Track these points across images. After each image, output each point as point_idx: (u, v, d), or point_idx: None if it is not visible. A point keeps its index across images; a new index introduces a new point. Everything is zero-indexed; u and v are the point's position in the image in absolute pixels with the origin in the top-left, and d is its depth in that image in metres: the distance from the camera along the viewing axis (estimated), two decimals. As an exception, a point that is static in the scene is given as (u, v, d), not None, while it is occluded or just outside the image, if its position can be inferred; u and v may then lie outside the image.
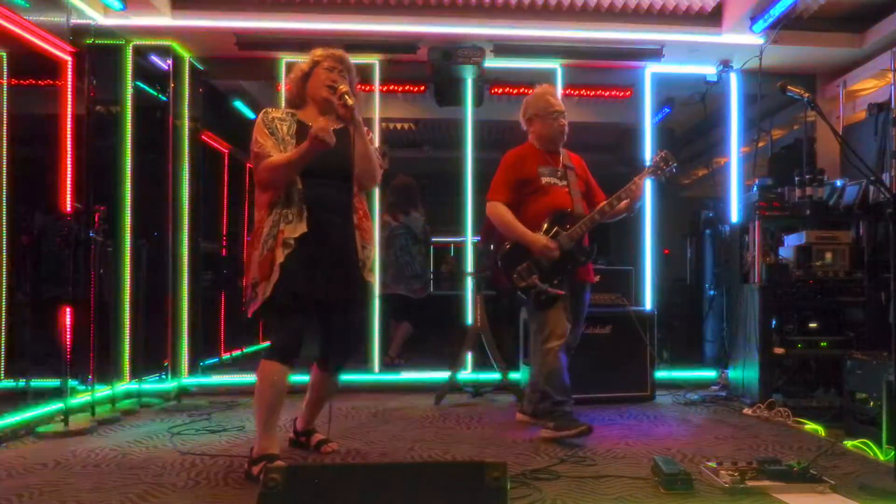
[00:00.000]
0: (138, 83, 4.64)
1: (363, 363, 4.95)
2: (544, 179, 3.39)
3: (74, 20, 4.10)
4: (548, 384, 3.28)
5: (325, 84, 2.79)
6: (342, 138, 2.74)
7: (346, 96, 2.72)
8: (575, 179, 3.47)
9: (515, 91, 5.80)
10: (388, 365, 5.20)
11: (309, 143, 2.56)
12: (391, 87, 5.48)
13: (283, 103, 3.10)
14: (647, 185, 4.08)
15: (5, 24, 3.61)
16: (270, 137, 2.72)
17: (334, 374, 2.99)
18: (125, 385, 4.32)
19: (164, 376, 4.52)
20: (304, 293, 2.68)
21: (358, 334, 3.02)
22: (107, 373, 4.01)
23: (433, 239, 6.16)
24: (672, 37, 4.79)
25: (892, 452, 2.79)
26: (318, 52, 2.88)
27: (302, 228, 2.66)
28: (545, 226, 3.31)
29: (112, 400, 4.00)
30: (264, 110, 2.83)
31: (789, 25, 4.59)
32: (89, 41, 4.20)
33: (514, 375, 4.50)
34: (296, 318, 2.70)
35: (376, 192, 4.93)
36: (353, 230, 2.79)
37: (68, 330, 3.65)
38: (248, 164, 6.39)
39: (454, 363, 4.41)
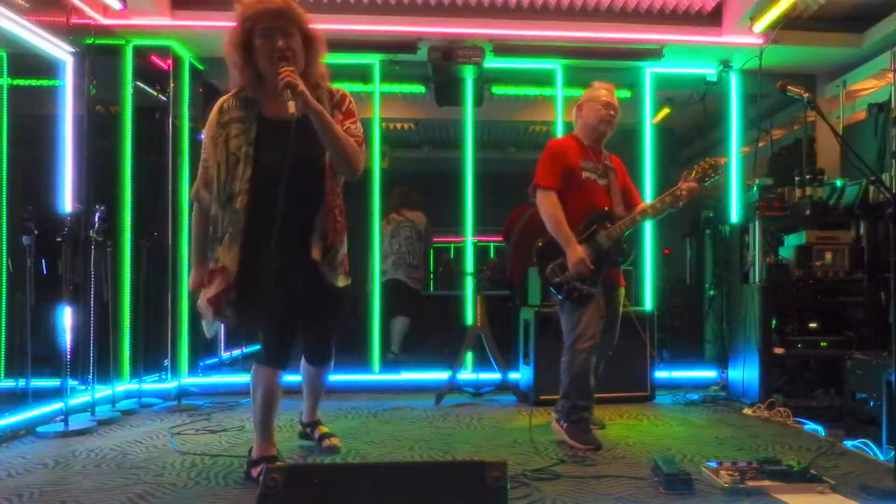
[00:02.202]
0: (138, 83, 4.64)
1: (363, 363, 4.96)
2: (584, 174, 3.30)
3: (74, 20, 4.10)
4: (572, 386, 3.23)
5: (269, 59, 2.32)
6: (300, 128, 2.27)
7: (290, 91, 2.23)
8: (615, 179, 3.39)
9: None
10: (392, 361, 5.25)
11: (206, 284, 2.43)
12: (391, 88, 5.48)
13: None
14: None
15: (5, 23, 3.61)
16: (215, 154, 2.41)
17: (319, 365, 2.96)
18: (125, 385, 4.32)
19: (164, 376, 4.52)
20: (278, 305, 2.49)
21: (332, 330, 2.83)
22: (107, 373, 4.01)
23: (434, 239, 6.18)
24: (672, 37, 4.78)
25: (892, 452, 2.79)
26: (247, 9, 2.35)
27: (235, 257, 2.39)
28: (584, 224, 3.24)
29: (112, 400, 4.00)
30: (220, 101, 2.46)
31: (789, 25, 4.59)
32: (89, 41, 4.20)
33: (514, 375, 4.50)
34: (279, 329, 2.58)
35: (377, 194, 4.94)
36: (306, 254, 2.48)
37: (68, 330, 3.65)
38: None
39: (454, 363, 4.41)
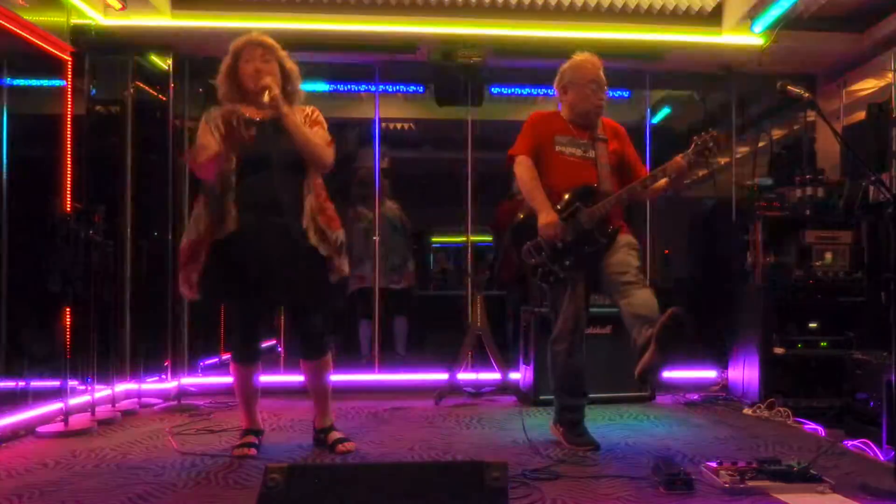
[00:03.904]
0: (138, 83, 4.64)
1: (363, 363, 4.96)
2: (558, 148, 3.10)
3: (74, 20, 4.10)
4: (557, 384, 3.20)
5: (251, 77, 2.81)
6: (276, 128, 2.79)
7: (268, 92, 2.72)
8: (605, 152, 3.13)
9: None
10: (400, 362, 5.27)
11: (223, 130, 2.68)
12: (391, 88, 5.48)
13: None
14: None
15: (5, 23, 3.61)
16: (210, 134, 2.77)
17: (310, 357, 2.99)
18: (125, 385, 4.32)
19: (164, 376, 4.52)
20: (230, 298, 2.88)
21: (321, 320, 2.98)
22: (107, 373, 4.01)
23: (433, 239, 6.14)
24: (672, 37, 4.78)
25: (893, 452, 2.79)
26: (236, 43, 2.89)
27: (230, 228, 2.74)
28: (565, 200, 3.04)
29: (112, 400, 4.00)
30: (206, 112, 2.89)
31: (789, 25, 4.59)
32: (89, 41, 4.20)
33: (513, 375, 4.51)
34: (242, 324, 2.94)
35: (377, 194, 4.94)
36: (298, 223, 2.79)
37: (68, 330, 3.64)
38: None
39: (454, 363, 4.41)
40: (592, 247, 3.03)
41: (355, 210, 5.34)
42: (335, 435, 3.06)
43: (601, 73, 3.17)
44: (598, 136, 3.17)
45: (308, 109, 2.97)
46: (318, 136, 2.88)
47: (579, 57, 3.22)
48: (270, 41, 2.88)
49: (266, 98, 2.72)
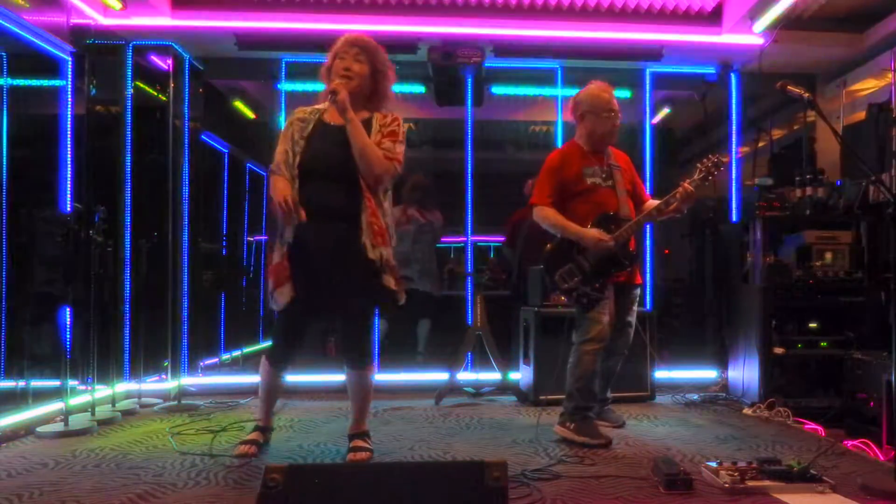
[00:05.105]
0: (138, 83, 4.64)
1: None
2: (589, 180, 3.32)
3: (74, 20, 4.10)
4: (576, 387, 3.24)
5: (336, 75, 2.80)
6: (342, 136, 2.75)
7: (333, 94, 2.70)
8: (621, 179, 3.39)
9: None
10: (421, 363, 5.33)
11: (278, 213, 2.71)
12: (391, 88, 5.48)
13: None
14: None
15: (5, 24, 3.61)
16: (284, 143, 2.83)
17: (351, 367, 2.91)
18: (125, 385, 4.32)
19: (164, 376, 4.52)
20: (294, 306, 2.80)
21: (362, 328, 2.94)
22: (107, 373, 4.01)
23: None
24: (672, 37, 4.79)
25: (893, 452, 2.79)
26: (337, 43, 2.87)
27: (288, 238, 2.77)
28: (591, 226, 3.26)
29: (112, 400, 4.00)
30: (297, 109, 2.91)
31: (789, 25, 4.59)
32: (89, 41, 4.20)
33: (513, 375, 4.51)
34: (287, 329, 2.91)
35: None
36: (356, 233, 2.74)
37: (68, 330, 3.64)
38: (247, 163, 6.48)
39: (454, 363, 4.41)
40: (618, 268, 3.29)
41: (405, 213, 5.37)
42: (356, 443, 2.92)
43: (615, 100, 3.39)
44: (613, 163, 3.41)
45: (389, 117, 2.89)
46: (381, 148, 2.78)
47: (594, 86, 3.43)
48: (368, 41, 2.85)
49: (329, 102, 2.74)
